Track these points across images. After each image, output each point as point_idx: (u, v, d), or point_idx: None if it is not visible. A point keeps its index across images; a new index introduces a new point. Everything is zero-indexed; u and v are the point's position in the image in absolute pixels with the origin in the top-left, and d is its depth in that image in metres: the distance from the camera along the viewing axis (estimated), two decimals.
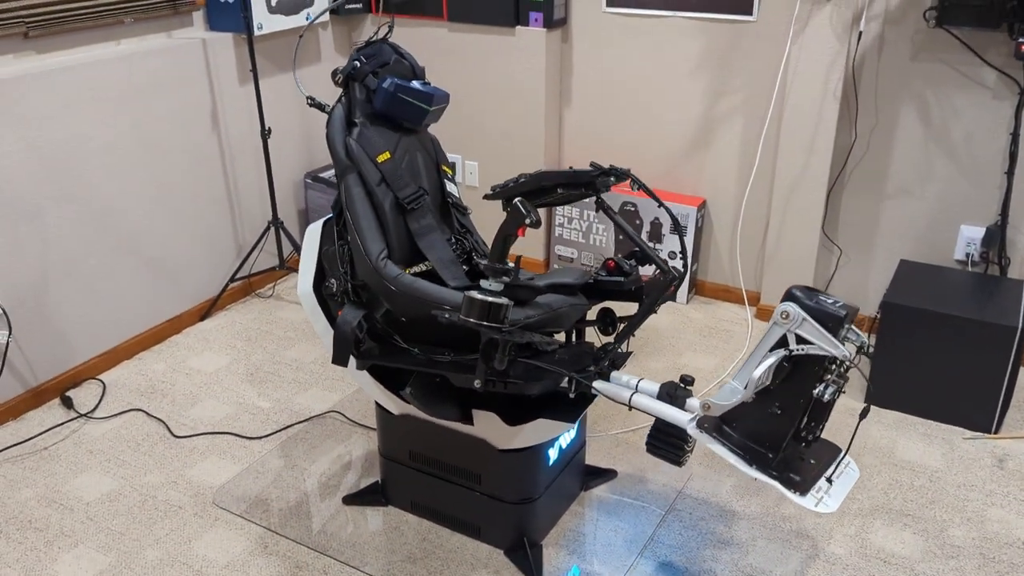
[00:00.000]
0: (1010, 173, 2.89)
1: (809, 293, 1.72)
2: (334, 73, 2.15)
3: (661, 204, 2.04)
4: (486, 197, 1.99)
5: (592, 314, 2.23)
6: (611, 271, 2.16)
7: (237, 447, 2.73)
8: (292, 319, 3.51)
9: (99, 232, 3.05)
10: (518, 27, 3.50)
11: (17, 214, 2.78)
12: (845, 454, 1.93)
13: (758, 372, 1.71)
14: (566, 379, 1.97)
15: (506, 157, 3.77)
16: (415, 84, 2.16)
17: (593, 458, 2.63)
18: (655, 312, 2.08)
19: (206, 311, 3.52)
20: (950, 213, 3.09)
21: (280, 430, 2.81)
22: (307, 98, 2.24)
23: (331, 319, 2.20)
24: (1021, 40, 2.63)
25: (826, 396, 1.71)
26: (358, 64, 2.12)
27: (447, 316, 1.82)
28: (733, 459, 1.80)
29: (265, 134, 3.41)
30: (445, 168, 2.32)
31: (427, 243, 2.14)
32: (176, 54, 3.19)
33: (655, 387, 2.02)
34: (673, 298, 2.08)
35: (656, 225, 3.53)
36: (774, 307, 3.39)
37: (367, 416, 2.86)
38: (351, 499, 2.48)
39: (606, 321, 2.18)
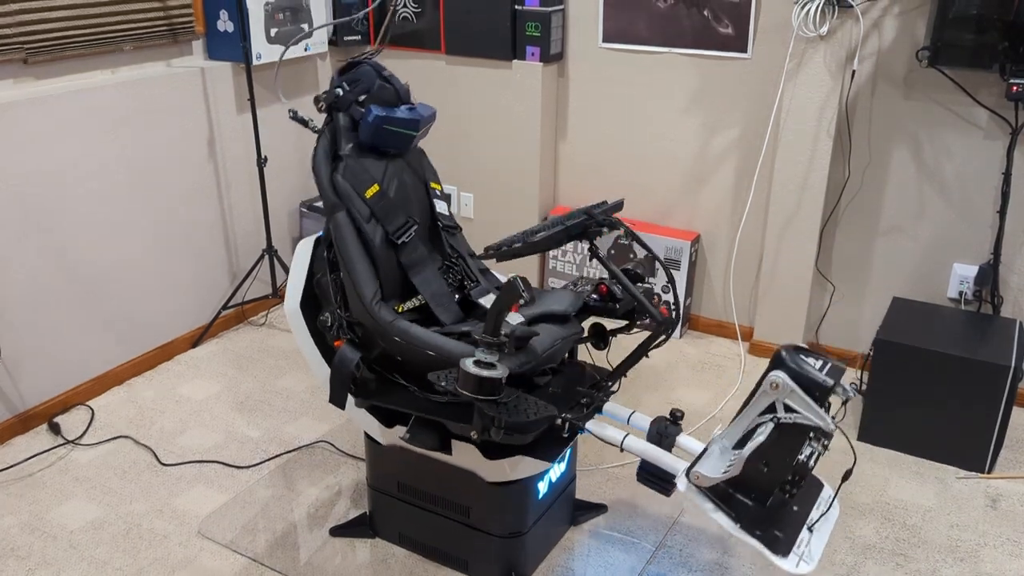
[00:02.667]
0: (1002, 212, 2.90)
1: (797, 358, 1.76)
2: (316, 99, 2.11)
3: (653, 255, 2.05)
4: (481, 257, 1.99)
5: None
6: (603, 296, 2.15)
7: (225, 476, 2.70)
8: (284, 347, 3.49)
9: (90, 258, 3.05)
10: (515, 61, 3.53)
11: (8, 236, 2.78)
12: (833, 501, 1.94)
13: (747, 451, 1.75)
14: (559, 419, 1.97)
15: (501, 189, 3.79)
16: (400, 112, 2.13)
17: (583, 492, 2.61)
18: (647, 357, 2.09)
19: (198, 338, 3.50)
20: (943, 251, 3.10)
21: (269, 459, 2.78)
22: (289, 111, 2.18)
23: (318, 340, 2.19)
24: (1012, 81, 2.66)
25: (811, 462, 1.77)
26: (340, 92, 2.09)
27: (443, 385, 1.83)
28: (722, 520, 1.84)
29: (261, 163, 3.42)
30: (434, 185, 2.29)
31: (420, 278, 2.13)
32: (174, 82, 3.21)
33: (646, 421, 2.02)
34: (665, 340, 2.09)
35: (649, 259, 3.54)
36: (767, 343, 3.40)
37: (356, 447, 2.84)
38: (338, 530, 2.45)
39: (597, 337, 2.17)
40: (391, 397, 2.09)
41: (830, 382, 1.71)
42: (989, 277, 3.00)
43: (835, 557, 2.37)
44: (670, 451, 2.01)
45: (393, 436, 2.19)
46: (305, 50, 3.57)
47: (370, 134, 2.09)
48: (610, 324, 2.19)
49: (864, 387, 3.03)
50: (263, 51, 3.35)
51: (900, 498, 2.61)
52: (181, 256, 3.39)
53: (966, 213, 3.02)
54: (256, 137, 3.38)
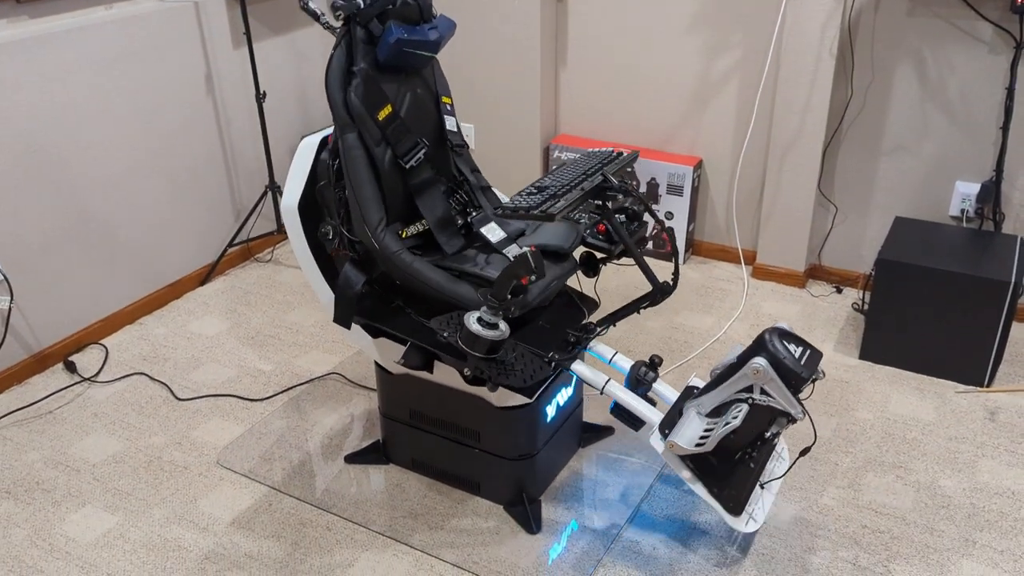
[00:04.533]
0: (1005, 128, 2.89)
1: (780, 344, 1.85)
2: (334, 7, 1.99)
3: (657, 220, 2.06)
4: (496, 215, 1.98)
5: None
6: (601, 234, 2.17)
7: (240, 409, 2.77)
8: (291, 283, 3.53)
9: (96, 198, 3.06)
10: None
11: (15, 179, 2.79)
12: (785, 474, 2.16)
13: (720, 433, 1.88)
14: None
15: (503, 119, 3.77)
16: (421, 32, 2.04)
17: (591, 415, 2.67)
18: (638, 312, 2.17)
19: (205, 276, 3.54)
20: (946, 169, 3.09)
21: (282, 392, 2.84)
22: (300, 1, 2.08)
23: (312, 243, 2.17)
24: None
25: (775, 441, 1.97)
26: (361, 4, 1.98)
27: (445, 336, 1.84)
28: (684, 473, 2.00)
29: (260, 98, 3.40)
30: (445, 100, 2.24)
31: (425, 202, 2.13)
32: (168, 18, 3.17)
33: (627, 364, 2.14)
34: (672, 238, 2.15)
35: (652, 185, 3.54)
36: (770, 267, 3.42)
37: (367, 378, 2.89)
38: (353, 458, 2.52)
39: (588, 265, 2.21)
40: (390, 320, 2.11)
41: (807, 375, 1.84)
42: (991, 194, 3.00)
43: (836, 471, 2.44)
44: (646, 396, 2.10)
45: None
46: None
47: (389, 55, 2.01)
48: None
49: (866, 306, 3.07)
50: None
51: (900, 413, 2.67)
52: (185, 194, 3.40)
53: (969, 130, 3.00)
54: (254, 72, 3.36)
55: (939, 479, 2.40)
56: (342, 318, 2.12)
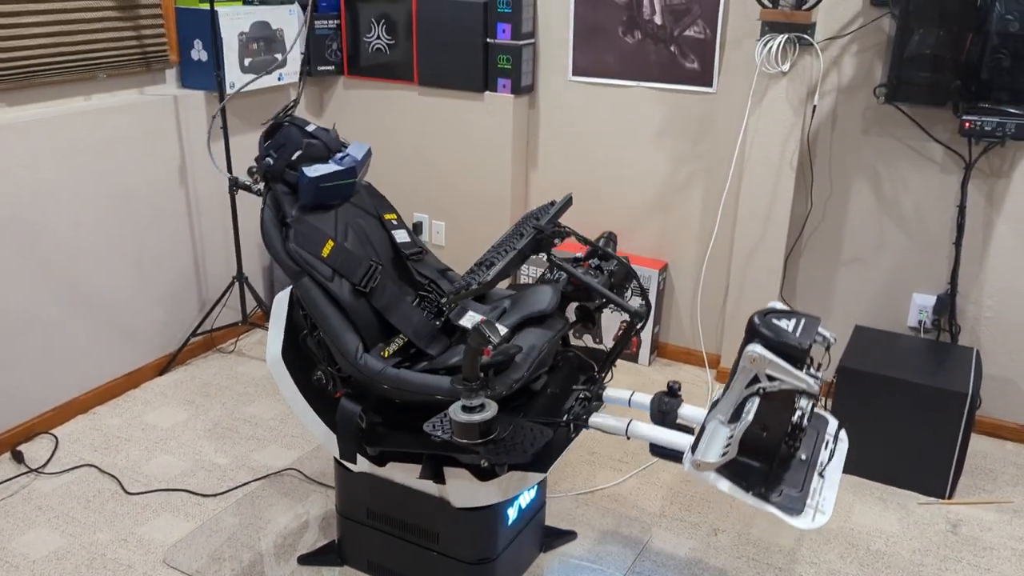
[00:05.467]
0: (958, 244, 2.99)
1: (770, 324, 1.77)
2: (250, 172, 2.13)
3: (588, 242, 2.06)
4: (447, 304, 1.99)
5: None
6: (576, 283, 2.17)
7: (191, 504, 2.68)
8: (253, 375, 3.48)
9: (57, 284, 3.03)
10: (487, 92, 3.59)
11: None
12: (838, 434, 1.97)
13: (739, 431, 1.75)
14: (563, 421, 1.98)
15: (473, 217, 3.83)
16: (333, 166, 2.14)
17: (553, 519, 2.62)
18: (629, 348, 2.12)
19: (165, 366, 3.48)
20: (903, 281, 3.18)
21: (236, 487, 2.76)
22: (229, 180, 2.21)
23: (303, 386, 2.18)
24: (965, 118, 2.76)
25: (804, 422, 1.78)
26: (271, 162, 2.11)
27: (439, 436, 1.84)
28: (736, 493, 1.83)
29: (233, 190, 3.43)
30: (388, 217, 2.30)
31: (397, 317, 2.13)
32: (147, 110, 3.22)
33: (647, 399, 2.07)
34: (638, 336, 2.12)
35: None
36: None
37: (326, 474, 2.83)
38: (307, 559, 2.44)
39: (585, 318, 2.18)
40: (400, 439, 2.08)
41: (805, 344, 1.74)
42: (947, 306, 3.08)
43: None
44: (674, 425, 2.02)
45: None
46: (279, 80, 3.60)
47: (311, 195, 2.10)
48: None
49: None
50: (236, 80, 3.38)
51: (864, 523, 2.66)
52: (150, 283, 3.38)
53: (924, 244, 3.10)
54: (228, 164, 3.39)
55: None
56: (346, 454, 2.12)
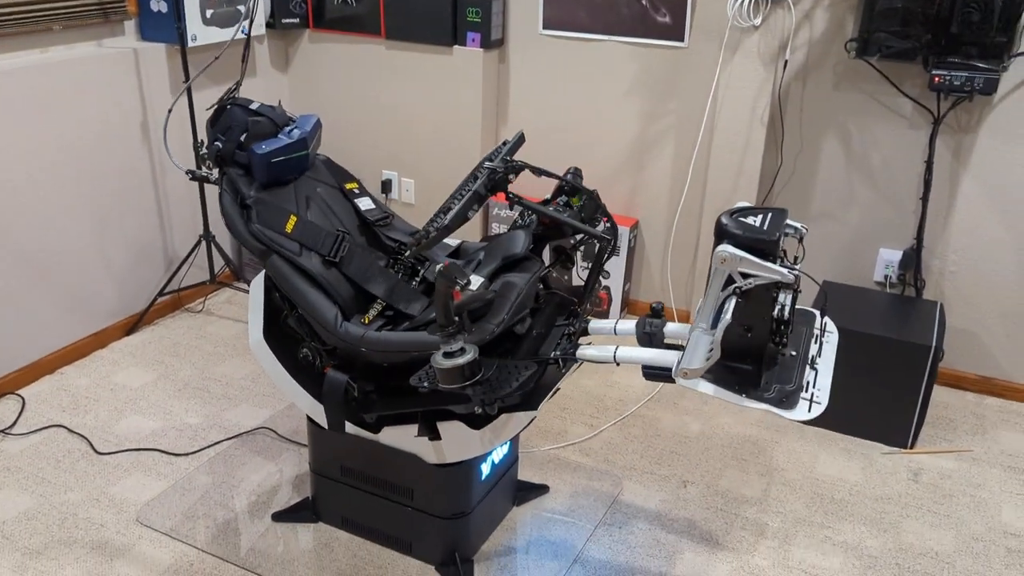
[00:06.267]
0: (925, 199, 3.03)
1: (736, 221, 1.76)
2: (202, 159, 2.13)
3: (563, 180, 2.04)
4: (411, 255, 1.99)
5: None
6: (546, 223, 2.17)
7: (163, 464, 2.67)
8: (222, 334, 3.45)
9: (17, 243, 2.97)
10: (456, 47, 3.54)
11: None
12: (825, 325, 1.98)
13: (719, 332, 1.74)
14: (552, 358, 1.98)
15: (443, 174, 3.79)
16: (282, 140, 2.14)
17: (526, 474, 2.65)
18: (605, 273, 2.11)
19: (133, 325, 3.44)
20: (870, 236, 3.21)
21: (208, 446, 2.76)
22: (187, 172, 2.22)
23: (289, 365, 2.18)
24: (935, 72, 2.77)
25: (785, 315, 1.77)
26: (219, 145, 2.11)
27: (425, 385, 1.84)
28: (724, 395, 1.83)
29: (198, 147, 3.36)
30: (349, 186, 2.29)
31: (371, 282, 2.13)
32: (105, 63, 3.13)
33: (630, 325, 2.08)
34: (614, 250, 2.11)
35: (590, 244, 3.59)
36: None
37: (299, 432, 2.83)
38: (281, 516, 2.44)
39: (562, 258, 2.18)
40: (393, 402, 2.08)
41: (774, 235, 1.73)
42: (912, 261, 3.12)
43: (766, 531, 2.46)
44: (662, 345, 2.02)
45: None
46: (242, 33, 3.51)
47: (265, 172, 2.10)
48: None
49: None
50: (199, 33, 3.29)
51: (829, 473, 2.72)
52: (115, 241, 3.32)
53: (891, 200, 3.14)
54: (192, 121, 3.32)
55: (865, 540, 2.44)
56: (335, 424, 2.12)
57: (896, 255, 3.17)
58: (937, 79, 2.77)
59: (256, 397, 3.03)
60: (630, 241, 3.53)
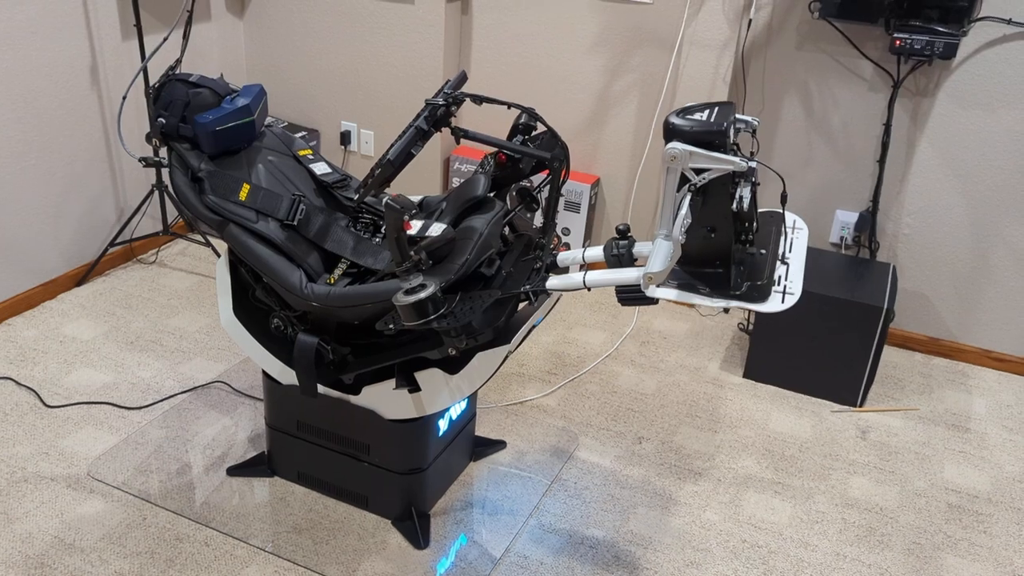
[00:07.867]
0: (882, 162, 3.06)
1: (683, 119, 1.73)
2: (148, 138, 2.13)
3: (510, 105, 2.02)
4: (358, 203, 1.96)
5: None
6: (505, 164, 2.16)
7: (115, 417, 2.63)
8: (176, 287, 3.39)
9: None
10: None
11: None
12: (795, 222, 1.98)
13: (677, 231, 1.72)
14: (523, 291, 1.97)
15: (403, 126, 3.72)
16: (226, 108, 2.10)
17: (483, 429, 2.66)
18: (561, 194, 2.11)
19: (83, 276, 3.36)
20: (827, 198, 3.24)
21: (162, 400, 2.72)
22: (140, 160, 2.20)
23: (262, 338, 2.18)
24: (896, 35, 2.78)
25: (744, 206, 1.76)
26: (163, 121, 2.08)
27: (391, 328, 1.81)
28: (695, 299, 1.83)
29: (149, 92, 3.26)
30: (302, 153, 2.28)
31: (331, 242, 2.13)
32: (52, 3, 3.00)
33: (598, 251, 2.06)
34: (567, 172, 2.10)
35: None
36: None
37: (254, 387, 2.80)
38: (236, 470, 2.43)
39: (526, 199, 2.17)
40: (371, 359, 2.07)
41: (722, 125, 1.71)
42: (868, 223, 3.16)
43: (719, 487, 2.51)
44: (633, 263, 2.00)
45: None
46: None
47: (211, 142, 2.07)
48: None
49: (751, 327, 3.18)
50: None
51: (780, 431, 2.77)
52: (62, 190, 3.22)
53: (849, 162, 3.16)
54: (143, 66, 3.21)
55: (814, 495, 2.50)
56: (306, 388, 2.11)
57: (852, 217, 3.21)
58: (898, 42, 2.78)
59: (211, 351, 2.99)
60: (591, 198, 3.53)
